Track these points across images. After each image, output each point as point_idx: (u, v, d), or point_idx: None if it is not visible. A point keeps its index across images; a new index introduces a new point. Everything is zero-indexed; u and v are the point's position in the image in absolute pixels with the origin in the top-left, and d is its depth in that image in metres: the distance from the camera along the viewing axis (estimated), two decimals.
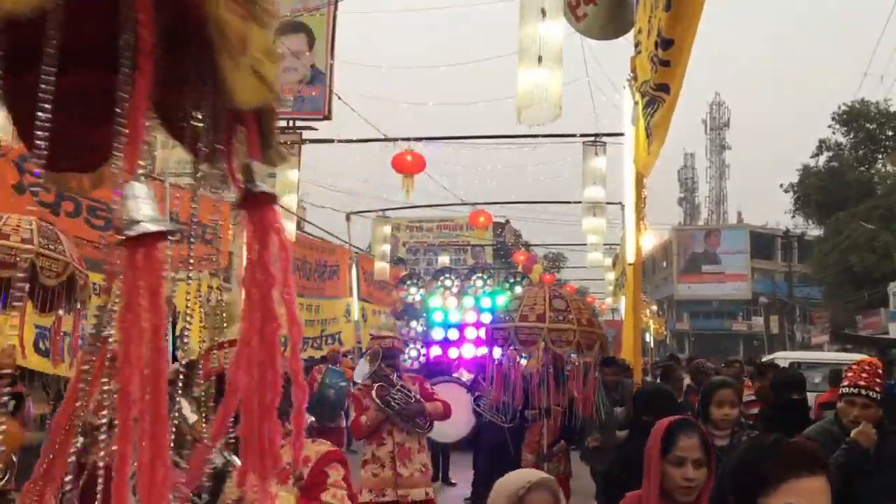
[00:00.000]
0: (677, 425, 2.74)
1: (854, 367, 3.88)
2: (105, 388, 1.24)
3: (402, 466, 5.53)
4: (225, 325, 2.37)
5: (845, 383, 3.85)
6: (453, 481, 10.50)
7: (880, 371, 3.88)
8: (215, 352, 2.22)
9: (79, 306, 5.50)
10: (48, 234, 5.34)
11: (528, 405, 7.80)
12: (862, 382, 3.73)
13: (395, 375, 5.75)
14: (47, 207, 7.44)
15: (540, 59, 5.79)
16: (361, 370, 5.93)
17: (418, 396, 5.69)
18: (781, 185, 36.63)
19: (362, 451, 5.90)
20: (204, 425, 4.80)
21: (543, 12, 5.75)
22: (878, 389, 3.73)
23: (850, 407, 3.75)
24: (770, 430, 4.36)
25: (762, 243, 55.72)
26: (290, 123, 15.23)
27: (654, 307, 43.65)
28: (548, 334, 6.46)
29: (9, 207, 7.09)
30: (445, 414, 5.85)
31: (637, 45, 4.38)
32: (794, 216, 38.12)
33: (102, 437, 1.41)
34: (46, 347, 7.15)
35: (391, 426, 5.60)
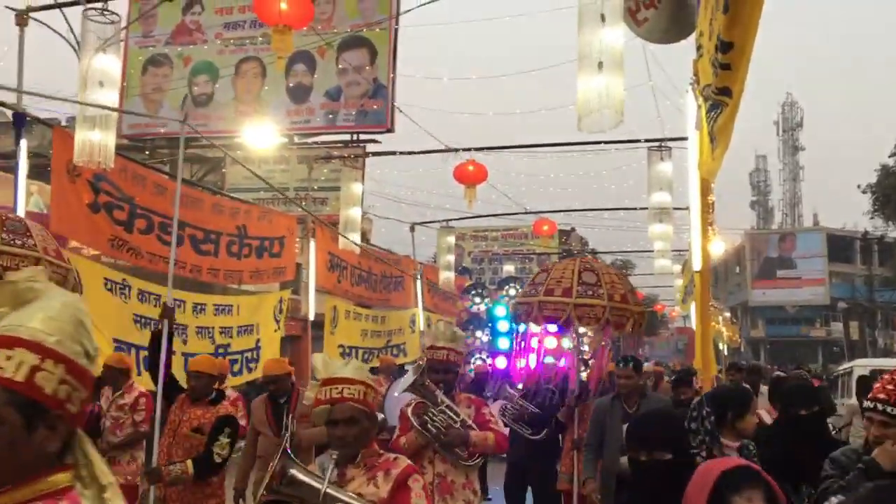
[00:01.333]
0: (733, 478, 1.98)
1: (884, 377, 3.29)
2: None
3: (441, 502, 4.70)
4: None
5: (867, 396, 3.31)
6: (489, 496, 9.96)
7: None
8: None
9: None
10: (14, 227, 4.82)
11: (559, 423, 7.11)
12: (882, 395, 3.16)
13: (442, 393, 4.83)
14: (121, 225, 7.69)
15: (600, 64, 5.70)
16: (404, 382, 5.01)
17: (469, 422, 4.79)
18: (859, 186, 35.30)
19: None
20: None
21: (603, 18, 5.66)
22: None
23: (870, 424, 3.23)
24: (778, 449, 3.92)
25: (840, 246, 53.81)
26: (354, 137, 15.43)
27: (728, 314, 42.57)
28: (573, 310, 5.96)
29: (85, 225, 7.38)
30: (498, 448, 4.94)
31: (699, 48, 4.29)
32: (872, 217, 36.68)
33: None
34: None
35: (433, 453, 4.74)
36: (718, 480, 2.00)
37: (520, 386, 8.69)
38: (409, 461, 3.09)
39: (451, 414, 4.74)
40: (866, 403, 3.22)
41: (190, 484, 5.07)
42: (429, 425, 4.68)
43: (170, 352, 5.64)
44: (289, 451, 3.01)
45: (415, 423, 4.69)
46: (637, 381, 5.97)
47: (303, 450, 5.86)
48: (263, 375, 6.62)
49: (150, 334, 8.05)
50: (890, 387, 3.14)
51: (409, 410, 4.78)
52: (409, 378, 4.93)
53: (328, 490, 2.84)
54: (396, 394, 5.01)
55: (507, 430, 5.65)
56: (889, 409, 3.09)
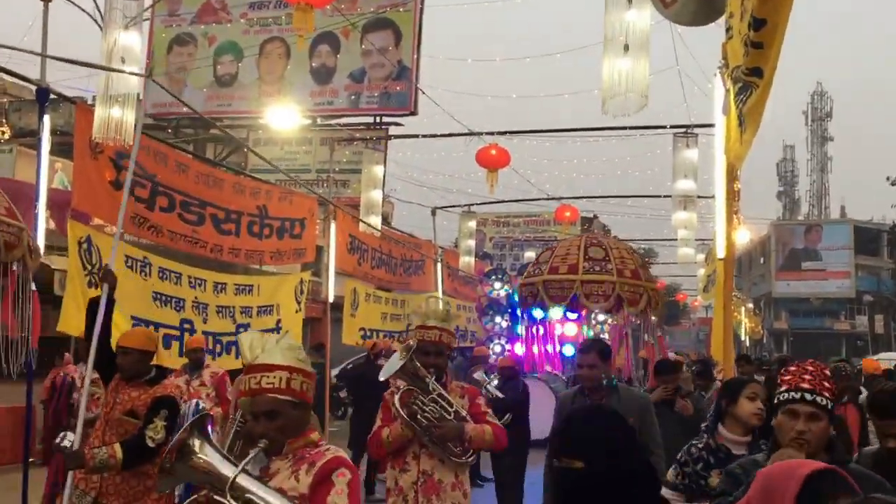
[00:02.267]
0: (826, 483, 1.66)
1: (792, 368, 2.85)
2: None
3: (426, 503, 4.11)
4: None
5: (783, 388, 2.79)
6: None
7: (828, 374, 2.84)
8: None
9: (15, 267, 4.76)
10: None
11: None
12: (805, 385, 2.71)
13: (433, 380, 4.21)
14: (143, 203, 7.70)
15: (626, 47, 5.61)
16: (390, 366, 4.32)
17: (463, 413, 4.21)
18: (888, 178, 34.76)
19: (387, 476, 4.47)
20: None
21: None
22: (828, 395, 2.72)
23: (792, 419, 2.69)
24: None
25: (867, 238, 53.13)
26: (377, 119, 15.38)
27: (751, 305, 42.19)
28: (581, 287, 5.64)
29: (107, 202, 7.39)
30: (497, 443, 4.30)
31: (728, 29, 4.17)
32: None
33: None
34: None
35: (419, 447, 4.17)
36: (805, 486, 1.65)
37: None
38: (340, 453, 2.65)
39: (444, 403, 4.18)
40: (790, 395, 2.74)
41: (128, 476, 4.51)
42: (418, 416, 4.11)
43: (107, 323, 4.97)
44: (205, 426, 2.58)
45: (402, 414, 4.11)
46: (602, 371, 4.74)
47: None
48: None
49: (170, 313, 8.12)
50: (807, 376, 2.76)
51: (396, 399, 4.18)
52: (395, 362, 4.27)
53: (239, 480, 2.41)
54: (381, 379, 4.38)
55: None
56: (819, 400, 2.68)
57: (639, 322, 6.00)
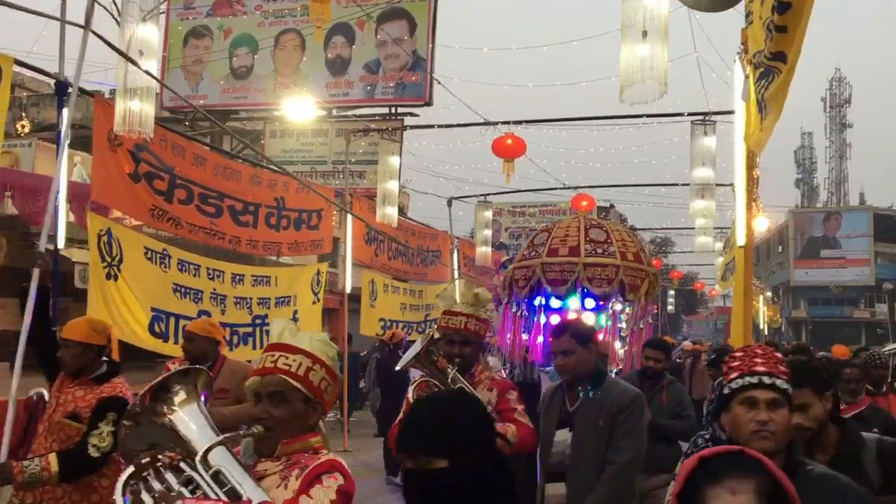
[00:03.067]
0: (714, 465, 1.53)
1: (738, 354, 2.46)
2: None
3: None
4: None
5: (733, 375, 2.37)
6: None
7: (781, 357, 2.44)
8: None
9: None
10: None
11: None
12: (760, 368, 2.32)
13: (455, 371, 3.76)
14: (161, 195, 7.76)
15: (644, 33, 5.59)
16: (408, 355, 3.96)
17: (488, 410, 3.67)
18: None
19: None
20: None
21: None
22: (786, 379, 2.34)
23: (750, 410, 2.29)
24: None
25: (887, 226, 52.57)
26: (392, 110, 15.38)
27: (769, 293, 41.96)
28: (583, 271, 5.33)
29: (126, 195, 7.45)
30: (522, 445, 3.70)
31: (748, 14, 4.13)
32: None
33: None
34: (162, 330, 7.48)
35: None
36: (696, 468, 1.54)
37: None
38: (338, 459, 2.27)
39: None
40: (744, 380, 2.33)
41: (70, 489, 3.83)
42: None
43: (43, 312, 4.49)
44: (199, 380, 2.20)
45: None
46: (581, 358, 3.74)
47: None
48: (185, 330, 5.65)
49: (189, 304, 8.18)
50: (759, 360, 2.37)
51: (411, 390, 3.73)
52: (415, 348, 3.86)
53: (216, 453, 2.01)
54: (398, 368, 4.05)
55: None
56: (779, 383, 2.30)
57: (633, 297, 5.71)
